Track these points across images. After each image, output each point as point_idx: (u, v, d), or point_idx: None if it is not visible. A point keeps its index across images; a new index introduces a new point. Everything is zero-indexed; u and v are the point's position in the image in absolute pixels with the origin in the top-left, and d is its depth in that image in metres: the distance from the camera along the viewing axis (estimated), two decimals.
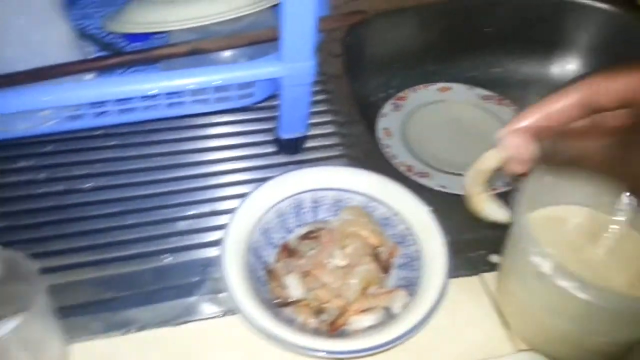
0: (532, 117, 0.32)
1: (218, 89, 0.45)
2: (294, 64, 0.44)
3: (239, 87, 0.45)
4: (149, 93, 0.43)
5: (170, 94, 0.45)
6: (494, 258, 0.49)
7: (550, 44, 0.79)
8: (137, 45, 0.60)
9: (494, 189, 0.39)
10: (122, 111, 0.47)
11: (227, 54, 0.49)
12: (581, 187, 0.43)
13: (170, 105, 0.46)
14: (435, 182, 0.66)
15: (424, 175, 0.67)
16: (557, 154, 0.31)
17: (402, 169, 0.68)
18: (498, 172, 0.37)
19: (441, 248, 0.44)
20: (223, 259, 0.41)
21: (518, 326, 0.43)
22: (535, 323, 0.40)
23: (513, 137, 0.32)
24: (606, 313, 0.35)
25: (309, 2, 0.39)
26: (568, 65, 0.80)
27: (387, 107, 0.75)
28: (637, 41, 0.74)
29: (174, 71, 0.43)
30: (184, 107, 0.46)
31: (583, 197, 0.44)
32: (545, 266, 0.35)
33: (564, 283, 0.34)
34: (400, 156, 0.70)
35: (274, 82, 0.47)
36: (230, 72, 0.43)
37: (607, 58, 0.77)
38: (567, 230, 0.43)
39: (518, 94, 0.79)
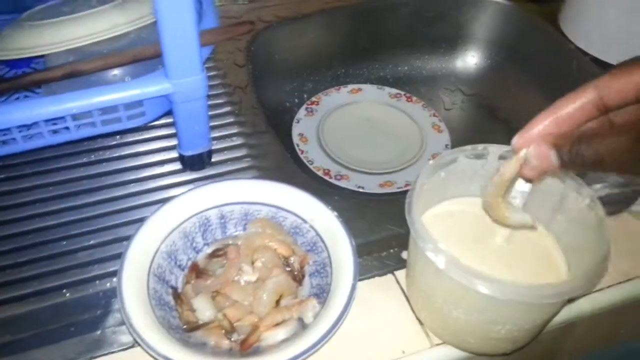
0: (543, 123, 0.31)
1: (105, 110, 0.43)
2: (181, 79, 0.43)
3: (127, 107, 0.44)
4: (28, 121, 0.40)
5: (54, 120, 0.43)
6: (404, 254, 0.49)
7: (451, 40, 0.82)
8: (18, 72, 0.56)
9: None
10: (3, 142, 0.44)
11: (113, 74, 0.47)
12: (475, 178, 0.44)
13: (55, 132, 0.43)
14: (353, 183, 0.67)
15: (342, 177, 0.68)
16: (576, 159, 0.30)
17: (320, 173, 0.68)
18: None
19: (349, 252, 0.44)
20: (119, 290, 0.39)
21: (428, 321, 0.44)
22: (441, 317, 0.41)
23: (535, 148, 0.31)
24: (502, 302, 0.36)
25: (186, 17, 0.38)
26: (469, 59, 0.83)
27: (301, 113, 0.75)
28: (530, 31, 0.78)
29: (52, 96, 0.40)
30: (70, 133, 0.43)
31: (478, 188, 0.45)
32: (440, 261, 0.36)
33: (458, 277, 0.35)
34: (317, 160, 0.70)
35: (167, 99, 0.46)
36: (112, 92, 0.41)
37: (505, 49, 0.81)
38: (465, 223, 0.44)
39: (426, 90, 0.82)
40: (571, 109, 0.30)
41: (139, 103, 0.44)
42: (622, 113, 0.30)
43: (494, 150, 0.42)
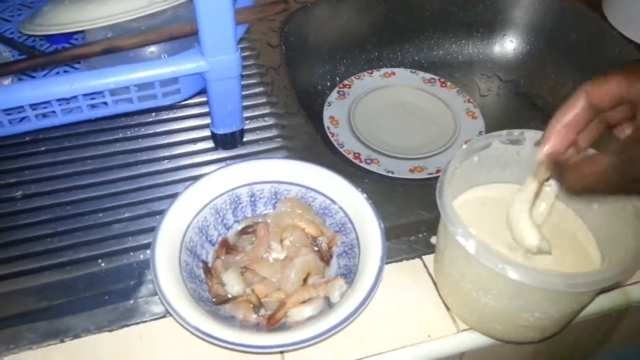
0: (555, 132, 0.34)
1: (141, 87, 0.44)
2: (216, 57, 0.43)
3: (162, 84, 0.44)
4: (67, 95, 0.41)
5: (93, 95, 0.44)
6: (433, 240, 0.49)
7: (488, 25, 0.80)
8: (58, 47, 0.58)
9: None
10: (44, 115, 0.45)
11: (151, 51, 0.48)
12: (510, 164, 0.44)
13: (93, 106, 0.44)
14: (383, 167, 0.67)
15: (372, 161, 0.68)
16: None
17: (350, 156, 0.68)
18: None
19: (377, 235, 0.44)
20: (153, 261, 0.41)
21: (455, 306, 0.44)
22: (469, 302, 0.40)
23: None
24: (532, 289, 0.35)
25: None
26: (508, 44, 0.81)
27: (333, 96, 0.75)
28: (572, 17, 0.75)
29: (91, 71, 0.41)
30: (108, 107, 0.44)
31: (512, 175, 0.44)
32: (470, 246, 0.35)
33: (487, 262, 0.35)
34: (347, 144, 0.70)
35: (201, 77, 0.46)
36: (149, 69, 0.42)
37: (544, 35, 0.78)
38: (497, 210, 0.44)
39: (461, 75, 0.80)
40: (572, 114, 0.34)
41: (174, 80, 0.44)
42: (613, 112, 0.33)
43: (531, 135, 0.41)
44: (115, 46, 0.42)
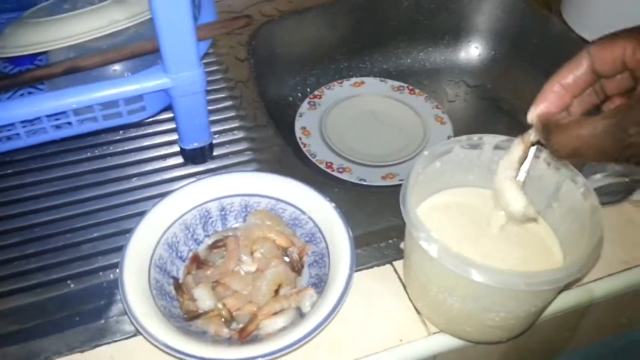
0: (553, 90, 0.33)
1: (105, 105, 0.44)
2: (179, 74, 0.43)
3: (127, 102, 0.44)
4: (30, 117, 0.41)
5: (57, 116, 0.44)
6: (402, 245, 0.50)
7: (453, 32, 0.82)
8: (22, 69, 0.58)
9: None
10: (8, 138, 0.45)
11: (114, 70, 0.48)
12: (472, 168, 0.45)
13: (58, 127, 0.44)
14: (355, 175, 0.68)
15: (344, 170, 0.68)
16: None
17: (322, 166, 0.69)
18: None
19: (346, 242, 0.44)
20: (121, 279, 0.40)
21: (425, 310, 0.44)
22: (437, 305, 0.41)
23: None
24: (495, 290, 0.36)
25: (182, 12, 0.38)
26: (473, 50, 0.83)
27: (304, 107, 0.76)
28: (533, 21, 0.77)
29: (53, 92, 0.41)
30: (72, 127, 0.44)
31: (475, 179, 0.45)
32: (432, 250, 0.36)
33: (450, 265, 0.35)
34: (319, 154, 0.70)
35: (166, 93, 0.46)
36: (112, 87, 0.42)
37: (508, 40, 0.80)
38: (462, 213, 0.45)
39: (429, 82, 0.82)
40: (573, 76, 0.32)
41: (139, 98, 0.45)
42: (612, 82, 0.32)
43: (489, 140, 0.43)
44: (77, 66, 0.42)
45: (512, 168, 0.37)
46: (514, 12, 0.79)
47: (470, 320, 0.41)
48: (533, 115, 0.33)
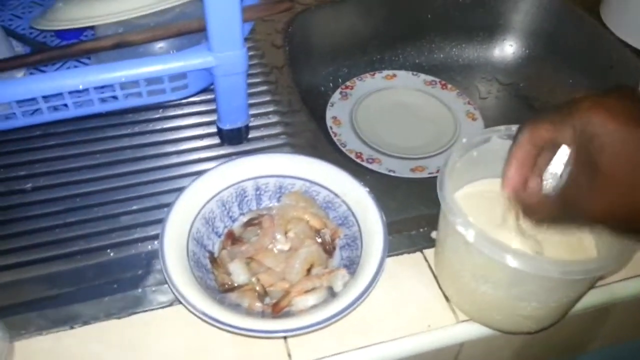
0: (512, 172, 0.36)
1: (150, 81, 0.45)
2: (224, 53, 0.44)
3: (171, 79, 0.46)
4: (79, 87, 0.43)
5: (103, 89, 0.45)
6: (433, 234, 0.50)
7: (488, 29, 0.82)
8: (69, 43, 0.59)
9: None
10: (55, 108, 0.46)
11: (159, 47, 0.49)
12: None
13: (104, 100, 0.46)
14: (385, 166, 0.68)
15: (374, 160, 0.69)
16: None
17: (352, 156, 0.69)
18: None
19: (379, 227, 0.45)
20: (162, 250, 0.42)
21: (455, 297, 0.45)
22: (469, 292, 0.41)
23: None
24: (529, 277, 0.36)
25: None
26: (507, 48, 0.83)
27: (336, 96, 0.77)
28: (570, 21, 0.77)
29: (102, 65, 0.43)
30: (118, 101, 0.46)
31: None
32: (470, 235, 0.36)
33: (486, 250, 0.36)
34: (350, 143, 0.71)
35: (209, 73, 0.47)
36: (158, 63, 0.43)
37: (543, 39, 0.80)
38: (496, 204, 0.45)
39: (461, 78, 0.82)
40: (521, 153, 0.36)
41: (182, 75, 0.46)
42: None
43: None
44: (126, 41, 0.44)
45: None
46: (550, 11, 0.79)
47: (502, 308, 0.41)
48: (506, 195, 0.37)
